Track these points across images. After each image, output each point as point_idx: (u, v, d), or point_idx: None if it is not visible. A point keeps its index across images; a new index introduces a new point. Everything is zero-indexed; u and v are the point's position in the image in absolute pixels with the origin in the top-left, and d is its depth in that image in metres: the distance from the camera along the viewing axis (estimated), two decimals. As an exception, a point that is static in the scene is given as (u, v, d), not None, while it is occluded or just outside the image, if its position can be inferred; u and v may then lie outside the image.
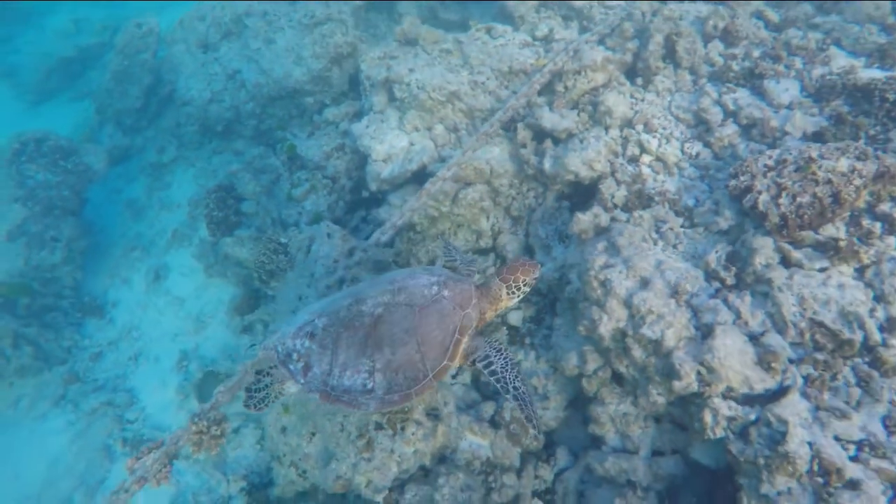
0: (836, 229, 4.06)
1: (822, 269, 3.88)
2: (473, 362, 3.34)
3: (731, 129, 5.09)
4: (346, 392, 3.13)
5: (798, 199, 4.03)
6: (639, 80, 5.79)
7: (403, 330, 3.14)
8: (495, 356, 3.30)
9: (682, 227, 4.72)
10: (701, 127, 5.27)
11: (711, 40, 5.88)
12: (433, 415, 4.42)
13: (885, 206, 4.17)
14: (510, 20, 7.13)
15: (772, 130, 4.90)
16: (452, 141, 6.05)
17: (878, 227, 4.05)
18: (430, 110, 6.14)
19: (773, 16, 6.52)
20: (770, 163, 4.37)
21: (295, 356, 3.23)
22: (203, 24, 9.01)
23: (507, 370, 3.26)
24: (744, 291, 3.96)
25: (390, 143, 6.20)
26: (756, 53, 5.78)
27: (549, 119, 5.55)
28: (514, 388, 3.22)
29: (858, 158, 4.17)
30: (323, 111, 7.75)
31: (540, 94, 5.98)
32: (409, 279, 3.35)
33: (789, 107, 5.13)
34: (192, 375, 6.89)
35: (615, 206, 4.97)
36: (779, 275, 3.83)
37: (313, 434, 4.49)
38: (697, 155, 5.13)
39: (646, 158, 5.18)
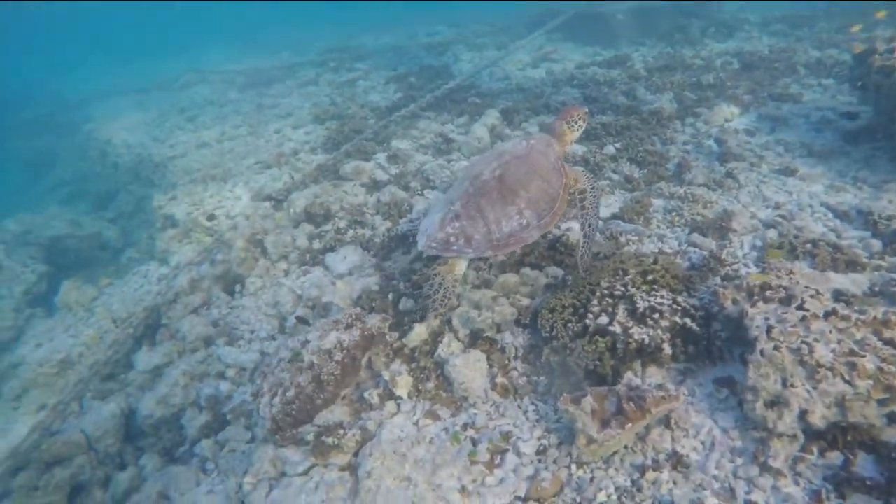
0: (331, 413, 3.75)
1: (309, 469, 3.47)
2: (575, 192, 4.03)
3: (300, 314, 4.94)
4: (511, 236, 3.69)
5: (286, 394, 3.73)
6: (238, 287, 5.71)
7: (524, 173, 3.82)
8: (589, 193, 4.01)
9: (248, 442, 4.30)
10: (282, 320, 5.12)
11: (299, 225, 6.01)
12: None
13: (396, 365, 3.96)
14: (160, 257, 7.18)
15: (324, 307, 4.78)
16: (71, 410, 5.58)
17: (375, 395, 3.78)
18: (47, 384, 5.73)
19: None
20: (286, 354, 4.14)
21: (452, 239, 3.68)
22: None
23: (593, 208, 3.96)
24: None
25: (10, 437, 5.65)
26: (342, 224, 5.92)
27: (143, 359, 5.25)
28: (589, 225, 3.90)
29: (347, 328, 4.01)
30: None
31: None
32: (501, 147, 4.16)
33: (350, 273, 5.11)
34: None
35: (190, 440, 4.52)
36: (257, 496, 3.38)
37: None
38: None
39: (230, 372, 4.88)
